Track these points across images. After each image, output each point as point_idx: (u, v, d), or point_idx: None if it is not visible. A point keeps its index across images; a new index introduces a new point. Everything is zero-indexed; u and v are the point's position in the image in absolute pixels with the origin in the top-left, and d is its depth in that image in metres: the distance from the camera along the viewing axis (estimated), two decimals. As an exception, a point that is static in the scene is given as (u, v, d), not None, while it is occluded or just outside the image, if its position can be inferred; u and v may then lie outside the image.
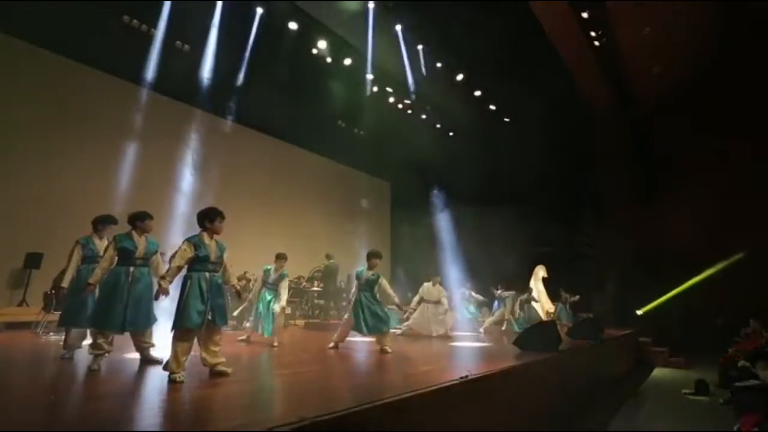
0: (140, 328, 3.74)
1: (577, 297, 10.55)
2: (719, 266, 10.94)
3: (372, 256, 5.57)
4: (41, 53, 8.57)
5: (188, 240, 3.38)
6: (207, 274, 3.34)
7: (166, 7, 9.09)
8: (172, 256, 3.46)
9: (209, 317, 3.22)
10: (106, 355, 3.61)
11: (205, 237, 3.44)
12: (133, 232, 3.89)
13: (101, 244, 4.29)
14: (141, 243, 3.88)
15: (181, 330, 3.17)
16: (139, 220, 3.91)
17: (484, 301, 10.03)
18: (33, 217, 8.09)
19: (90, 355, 3.53)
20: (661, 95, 12.35)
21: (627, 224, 12.74)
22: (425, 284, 8.18)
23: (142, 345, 3.82)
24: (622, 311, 12.07)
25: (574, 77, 12.45)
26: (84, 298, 3.96)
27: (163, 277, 3.30)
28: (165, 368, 3.12)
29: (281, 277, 5.85)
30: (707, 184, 11.54)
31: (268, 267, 5.94)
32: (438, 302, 7.93)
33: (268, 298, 5.74)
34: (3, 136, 7.87)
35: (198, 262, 3.34)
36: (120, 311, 3.57)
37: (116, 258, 3.82)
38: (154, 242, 4.03)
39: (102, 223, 4.46)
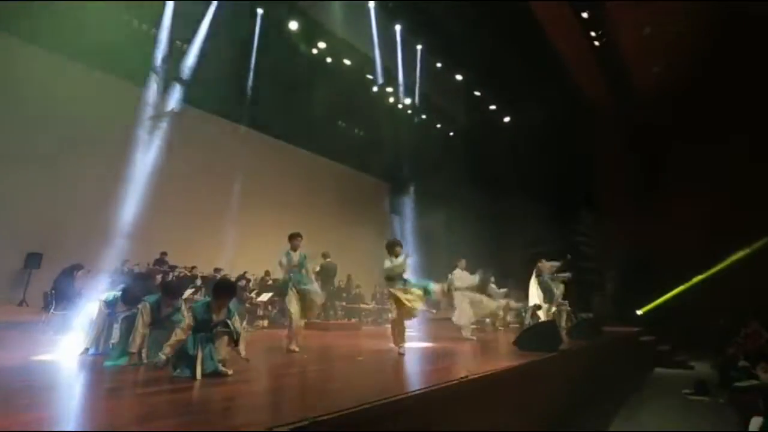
0: None
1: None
2: (742, 253, 10.69)
3: (396, 244, 4.89)
4: (41, 53, 8.58)
5: (193, 309, 3.36)
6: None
7: (167, 7, 9.10)
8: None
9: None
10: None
11: (213, 304, 3.41)
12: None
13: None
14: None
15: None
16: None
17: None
18: (33, 217, 8.09)
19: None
20: (660, 95, 12.36)
21: (626, 224, 12.74)
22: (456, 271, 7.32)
23: None
24: (622, 311, 12.06)
25: (574, 77, 12.46)
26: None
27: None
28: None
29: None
30: (706, 184, 11.54)
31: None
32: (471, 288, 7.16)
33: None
34: (3, 137, 7.88)
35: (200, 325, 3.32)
36: None
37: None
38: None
39: None
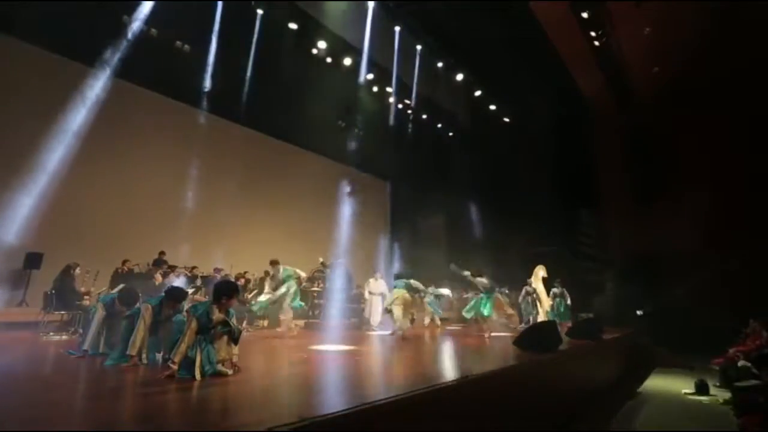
0: None
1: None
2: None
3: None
4: (39, 53, 8.57)
5: (195, 315, 3.32)
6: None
7: (167, 7, 9.08)
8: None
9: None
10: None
11: (215, 309, 3.39)
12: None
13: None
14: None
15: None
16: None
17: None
18: (33, 217, 8.08)
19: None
20: (660, 95, 12.36)
21: (626, 224, 12.74)
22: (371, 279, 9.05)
23: None
24: (622, 311, 12.06)
25: (574, 77, 12.46)
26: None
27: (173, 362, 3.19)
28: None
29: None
30: (706, 184, 11.53)
31: None
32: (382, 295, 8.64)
33: None
34: (2, 136, 7.88)
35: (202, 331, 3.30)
36: None
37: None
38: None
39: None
